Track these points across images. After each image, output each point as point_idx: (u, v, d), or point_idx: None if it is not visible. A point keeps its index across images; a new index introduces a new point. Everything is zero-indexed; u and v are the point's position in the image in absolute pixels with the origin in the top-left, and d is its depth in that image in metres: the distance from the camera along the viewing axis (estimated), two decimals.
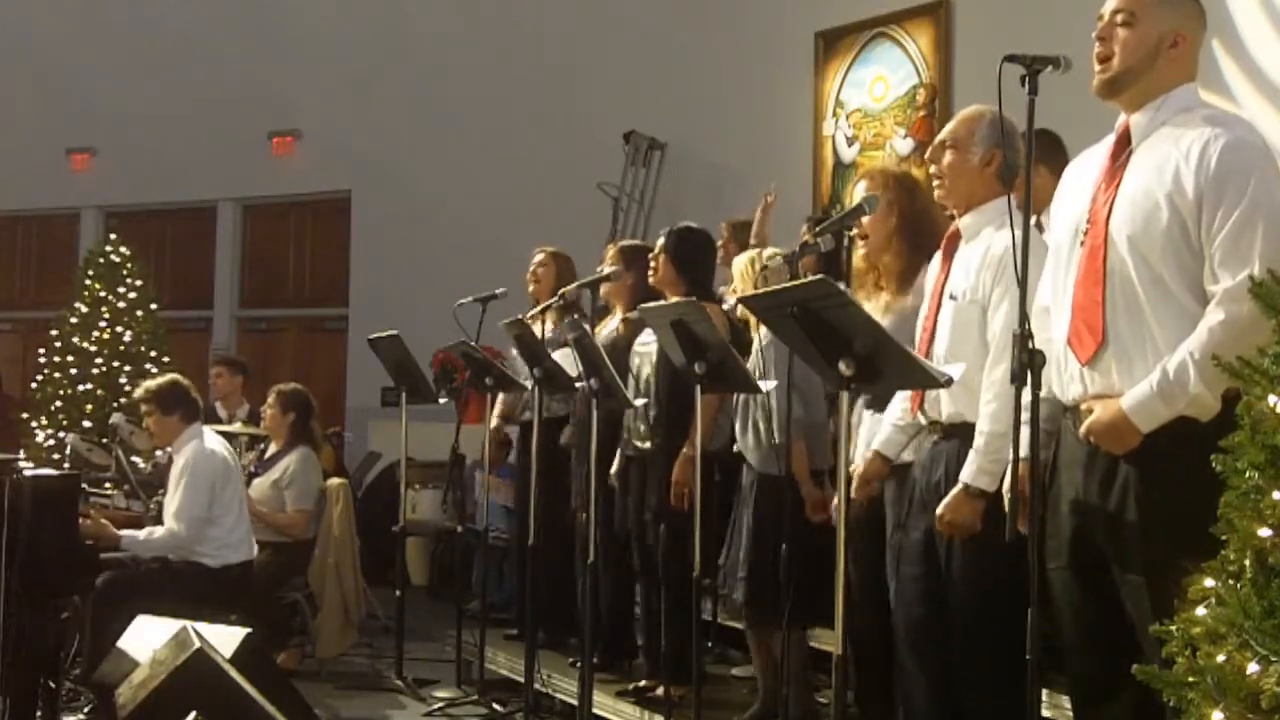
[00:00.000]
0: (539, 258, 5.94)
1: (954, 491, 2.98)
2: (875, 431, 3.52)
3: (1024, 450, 2.60)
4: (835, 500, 3.71)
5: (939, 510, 3.00)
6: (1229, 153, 2.50)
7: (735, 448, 4.46)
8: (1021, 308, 2.56)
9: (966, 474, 2.96)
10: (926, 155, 3.32)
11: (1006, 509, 2.71)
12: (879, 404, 3.53)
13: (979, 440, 2.95)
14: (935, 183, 3.23)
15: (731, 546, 4.41)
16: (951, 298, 3.12)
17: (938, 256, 3.28)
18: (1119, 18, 2.65)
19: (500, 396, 6.00)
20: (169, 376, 5.79)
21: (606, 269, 5.25)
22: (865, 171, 4.36)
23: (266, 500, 6.15)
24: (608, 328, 5.35)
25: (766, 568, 4.06)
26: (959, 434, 3.08)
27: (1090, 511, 2.63)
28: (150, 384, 5.70)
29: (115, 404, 8.98)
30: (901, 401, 3.33)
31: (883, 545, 3.38)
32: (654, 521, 4.73)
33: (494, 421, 5.99)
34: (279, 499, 6.17)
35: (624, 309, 5.29)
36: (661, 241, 4.94)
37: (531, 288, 5.90)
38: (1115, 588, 2.59)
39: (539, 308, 5.49)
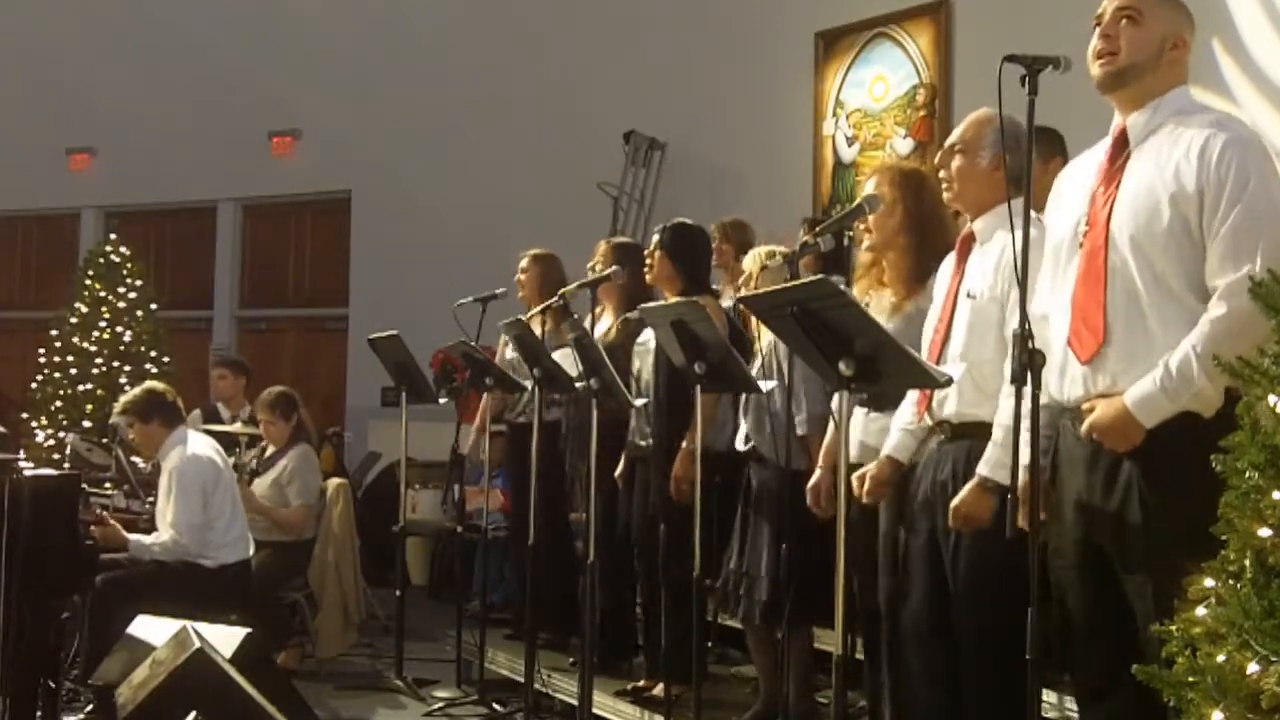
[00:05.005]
0: (522, 263, 5.96)
1: (969, 485, 2.97)
2: (868, 429, 3.52)
3: (1025, 451, 2.59)
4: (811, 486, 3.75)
5: (954, 503, 2.98)
6: (1229, 150, 2.52)
7: (742, 445, 4.40)
8: (1021, 308, 2.57)
9: (984, 468, 2.94)
10: (936, 160, 3.33)
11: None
12: (872, 402, 3.53)
13: (997, 433, 2.94)
14: (944, 186, 3.25)
15: (745, 548, 4.36)
16: (969, 296, 3.13)
17: (950, 258, 3.28)
18: (1125, 14, 2.66)
19: (485, 401, 6.01)
20: (144, 385, 5.77)
21: (598, 265, 5.23)
22: (875, 168, 4.36)
23: (269, 498, 6.15)
24: (601, 327, 5.33)
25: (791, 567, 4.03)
26: (968, 433, 3.07)
27: (1094, 510, 2.64)
28: (125, 396, 5.69)
29: (115, 404, 8.97)
30: (910, 405, 3.32)
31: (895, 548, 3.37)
32: (651, 520, 4.71)
33: (474, 435, 6.11)
34: (281, 496, 6.18)
35: (616, 308, 5.28)
36: (657, 238, 4.91)
37: (521, 293, 5.94)
38: (1121, 585, 2.60)
39: (539, 308, 5.48)
